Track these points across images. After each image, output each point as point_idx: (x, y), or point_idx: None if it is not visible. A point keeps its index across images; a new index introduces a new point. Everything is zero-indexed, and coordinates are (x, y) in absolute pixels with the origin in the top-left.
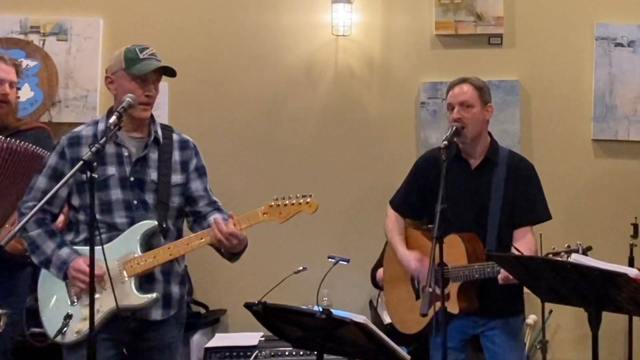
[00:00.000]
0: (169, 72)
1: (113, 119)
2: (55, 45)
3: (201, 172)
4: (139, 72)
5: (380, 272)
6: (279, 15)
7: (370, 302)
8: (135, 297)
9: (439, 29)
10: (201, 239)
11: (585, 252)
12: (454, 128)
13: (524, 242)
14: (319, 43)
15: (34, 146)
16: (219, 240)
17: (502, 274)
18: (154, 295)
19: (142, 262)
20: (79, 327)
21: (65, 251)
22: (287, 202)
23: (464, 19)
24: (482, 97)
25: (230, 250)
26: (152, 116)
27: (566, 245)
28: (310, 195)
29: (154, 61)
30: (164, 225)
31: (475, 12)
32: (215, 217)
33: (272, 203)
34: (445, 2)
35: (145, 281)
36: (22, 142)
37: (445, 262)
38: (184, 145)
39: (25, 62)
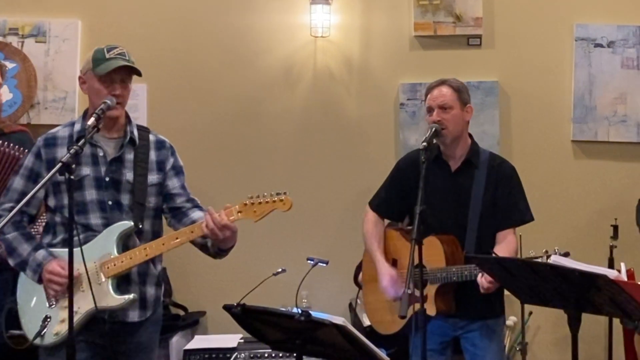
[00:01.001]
0: (135, 70)
1: (92, 121)
2: (34, 47)
3: (178, 170)
4: (101, 72)
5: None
6: (257, 16)
7: (350, 304)
8: (112, 299)
9: (417, 30)
10: (192, 232)
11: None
12: (433, 129)
13: (506, 244)
14: (298, 44)
15: (21, 148)
16: (211, 230)
17: (485, 284)
18: (132, 296)
19: (118, 263)
20: (57, 329)
21: (41, 254)
22: (261, 200)
23: (442, 20)
24: (461, 99)
25: (221, 244)
26: (128, 117)
27: (544, 250)
28: (285, 193)
29: (118, 60)
30: (140, 227)
31: (454, 13)
32: (209, 208)
33: (247, 201)
34: (424, 3)
35: (121, 282)
36: (11, 145)
37: (423, 264)
38: (160, 145)
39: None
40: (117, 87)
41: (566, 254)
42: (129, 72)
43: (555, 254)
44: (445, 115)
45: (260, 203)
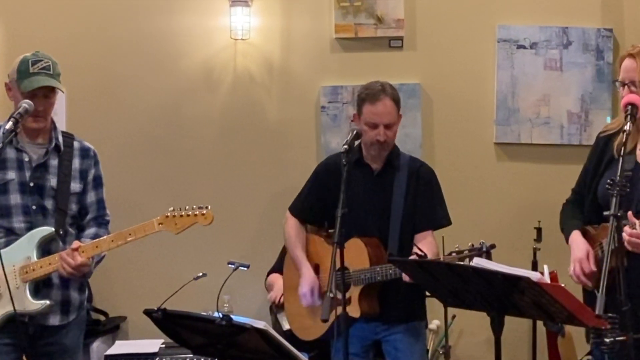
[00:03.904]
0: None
1: (9, 124)
2: None
3: (97, 182)
4: (24, 89)
5: (271, 277)
6: (176, 19)
7: (271, 307)
8: (28, 303)
9: (339, 32)
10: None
11: (488, 250)
12: (354, 132)
13: (425, 245)
14: (217, 47)
15: None
16: (69, 274)
17: (405, 276)
18: (48, 301)
19: (37, 268)
20: None
21: None
22: (182, 213)
23: (364, 22)
24: (398, 111)
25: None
26: (53, 123)
27: (470, 244)
28: (207, 207)
29: (42, 77)
30: (62, 232)
31: (376, 15)
32: (60, 253)
33: (168, 214)
34: (345, 5)
35: (43, 286)
36: None
37: (346, 266)
38: (85, 153)
39: None
40: (40, 102)
41: (492, 247)
42: (52, 87)
43: (481, 246)
44: (390, 132)
45: (181, 216)
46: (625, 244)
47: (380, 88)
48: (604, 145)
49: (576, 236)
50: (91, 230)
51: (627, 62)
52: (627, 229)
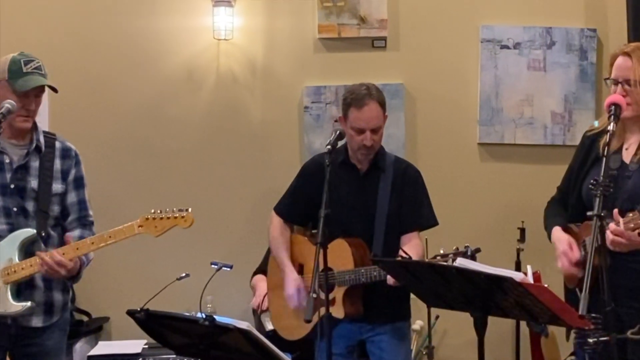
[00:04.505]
0: (50, 87)
1: None
2: None
3: (79, 183)
4: (20, 88)
5: (255, 279)
6: (159, 19)
7: (254, 309)
8: (10, 305)
9: (322, 33)
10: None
11: (473, 253)
12: (338, 132)
13: (411, 247)
14: (200, 47)
15: None
16: (49, 271)
17: (390, 279)
18: (29, 303)
19: (19, 270)
20: None
21: None
22: (162, 215)
23: (347, 22)
24: (385, 112)
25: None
26: (35, 124)
27: (454, 247)
28: (187, 210)
29: (37, 76)
30: (43, 234)
31: (359, 15)
32: (37, 252)
33: (148, 216)
34: (328, 5)
35: (26, 288)
36: None
37: (331, 267)
38: (66, 153)
39: None
40: (32, 102)
41: (477, 250)
42: (43, 86)
43: (466, 250)
44: (376, 136)
45: (161, 219)
46: (608, 243)
47: (366, 92)
48: (590, 144)
49: (557, 232)
50: (76, 233)
51: (621, 60)
52: (612, 225)
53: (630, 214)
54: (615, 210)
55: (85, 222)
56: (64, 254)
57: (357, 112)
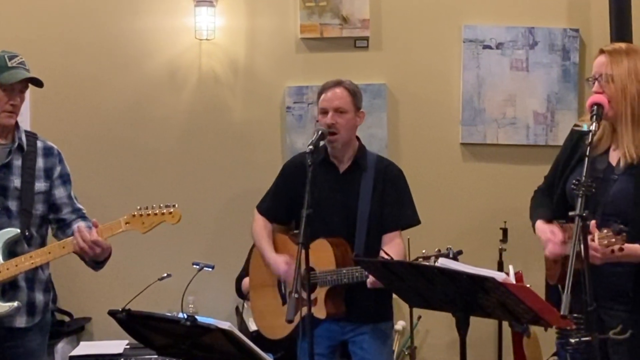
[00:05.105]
0: (36, 81)
1: None
2: None
3: (65, 179)
4: (5, 82)
5: (245, 282)
6: (140, 19)
7: (237, 308)
8: None
9: (304, 32)
10: (63, 247)
11: (455, 256)
12: (320, 132)
13: (392, 247)
14: (182, 47)
15: None
16: (82, 248)
17: (371, 278)
18: (15, 304)
19: (3, 270)
20: None
21: None
22: (149, 212)
23: (329, 22)
24: (355, 103)
25: (94, 258)
26: (16, 123)
27: (436, 249)
28: (174, 206)
29: (22, 70)
30: (27, 233)
31: (341, 15)
32: (79, 224)
33: (135, 213)
34: (310, 5)
35: (8, 288)
36: None
37: (313, 267)
38: (48, 152)
39: None
40: (17, 97)
41: (459, 253)
42: (27, 82)
43: (448, 252)
44: (340, 119)
45: (148, 215)
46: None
47: (336, 81)
48: (578, 139)
49: (540, 224)
50: (82, 224)
51: (599, 58)
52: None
53: (605, 231)
54: (593, 223)
55: (82, 215)
56: (49, 252)
57: (323, 95)
